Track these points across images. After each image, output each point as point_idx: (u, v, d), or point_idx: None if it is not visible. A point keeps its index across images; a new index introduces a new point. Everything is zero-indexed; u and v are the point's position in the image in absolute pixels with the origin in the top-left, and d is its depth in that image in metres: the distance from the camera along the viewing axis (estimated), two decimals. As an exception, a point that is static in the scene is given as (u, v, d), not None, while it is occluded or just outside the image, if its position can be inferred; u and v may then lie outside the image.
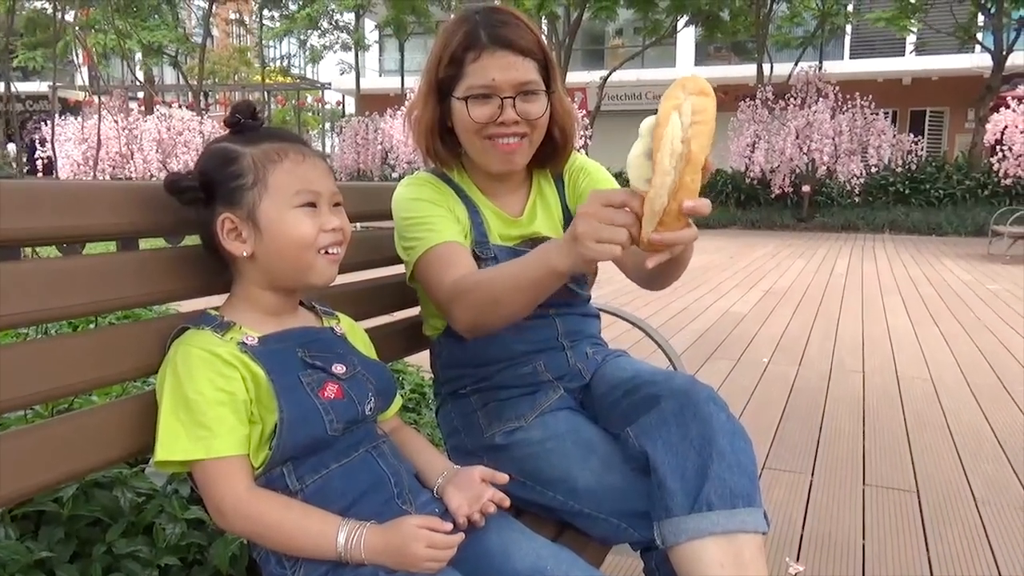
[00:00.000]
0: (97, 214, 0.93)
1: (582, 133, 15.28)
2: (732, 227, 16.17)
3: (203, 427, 0.89)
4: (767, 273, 8.33)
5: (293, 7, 23.04)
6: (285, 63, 28.46)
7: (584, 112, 17.28)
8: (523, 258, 1.08)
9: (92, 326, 2.21)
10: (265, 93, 23.19)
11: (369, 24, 24.31)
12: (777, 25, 19.70)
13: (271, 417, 0.93)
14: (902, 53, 20.72)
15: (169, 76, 27.42)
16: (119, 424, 0.93)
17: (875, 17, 17.41)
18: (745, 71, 20.24)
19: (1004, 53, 15.54)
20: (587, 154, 1.67)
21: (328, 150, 22.93)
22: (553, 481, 1.21)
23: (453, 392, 1.38)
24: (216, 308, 1.01)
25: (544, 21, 17.50)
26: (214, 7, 21.90)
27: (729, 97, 17.73)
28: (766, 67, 17.93)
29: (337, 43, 23.67)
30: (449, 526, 0.94)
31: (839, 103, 15.35)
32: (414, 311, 1.50)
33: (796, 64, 17.47)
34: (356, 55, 23.32)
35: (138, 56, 21.44)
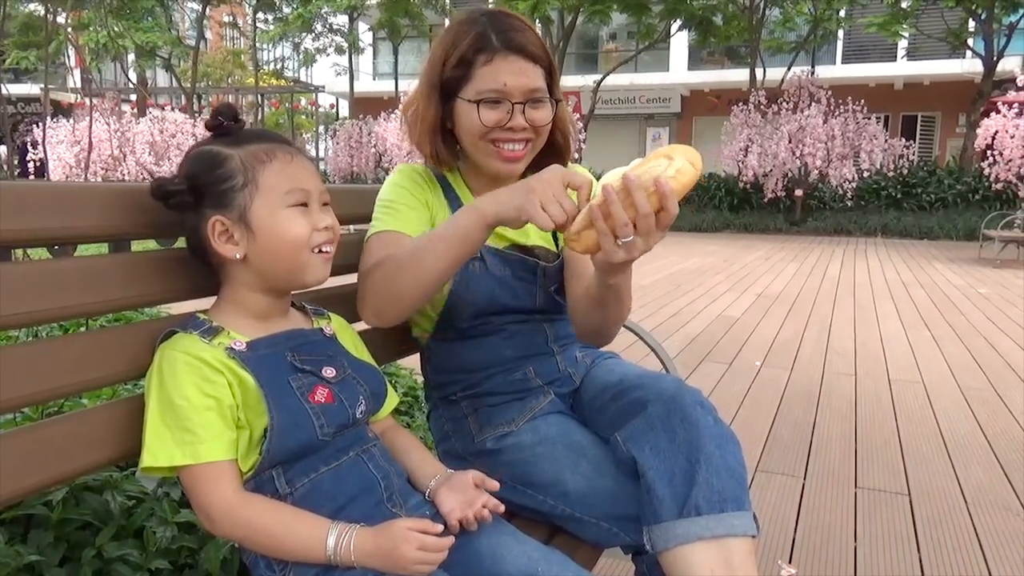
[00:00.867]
0: (88, 216, 0.92)
1: (576, 137, 15.29)
2: (725, 231, 16.21)
3: (189, 432, 0.88)
4: (760, 277, 8.35)
5: (287, 10, 23.03)
6: (279, 66, 28.41)
7: (578, 116, 17.31)
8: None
9: (83, 329, 2.20)
10: (259, 96, 23.15)
11: (363, 27, 24.31)
12: (770, 30, 19.79)
13: (259, 422, 0.92)
14: (894, 58, 20.84)
15: (162, 79, 27.35)
16: (109, 427, 0.93)
17: (867, 22, 17.50)
18: (738, 75, 20.34)
19: (995, 58, 15.64)
20: (580, 158, 1.68)
21: (322, 153, 22.89)
22: (544, 485, 1.21)
23: (443, 397, 1.37)
24: (204, 312, 1.00)
25: (538, 25, 17.52)
26: (208, 10, 21.87)
27: (722, 101, 17.80)
28: (759, 72, 18.00)
29: (331, 46, 23.66)
30: (440, 527, 0.94)
31: (831, 108, 15.41)
32: (406, 313, 1.50)
33: (789, 69, 17.54)
34: (350, 58, 23.32)
35: (131, 57, 21.37)
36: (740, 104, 16.27)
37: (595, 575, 1.08)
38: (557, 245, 1.37)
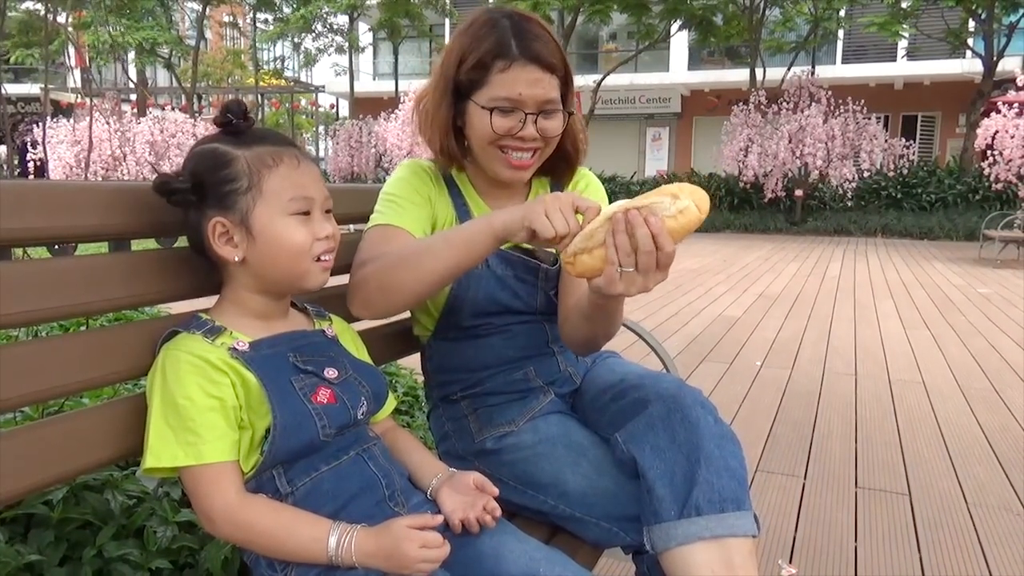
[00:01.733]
0: (88, 215, 0.92)
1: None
2: (725, 231, 16.20)
3: (192, 433, 0.88)
4: (760, 277, 8.35)
5: (287, 10, 23.02)
6: (279, 66, 28.41)
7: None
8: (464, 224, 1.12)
9: (83, 328, 2.20)
10: (259, 96, 23.13)
11: (363, 27, 24.30)
12: (770, 30, 19.78)
13: (262, 423, 0.92)
14: (894, 58, 20.84)
15: (162, 79, 27.36)
16: (110, 426, 0.93)
17: (867, 22, 17.49)
18: (738, 76, 20.33)
19: (995, 58, 15.64)
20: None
21: (322, 153, 22.90)
22: (544, 485, 1.21)
23: (444, 396, 1.37)
24: (206, 311, 1.00)
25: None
26: (207, 10, 21.86)
27: (722, 101, 17.78)
28: (759, 72, 17.99)
29: (331, 46, 23.65)
30: (440, 518, 0.94)
31: (831, 108, 15.41)
32: (406, 313, 1.50)
33: (789, 69, 17.54)
34: (350, 58, 23.31)
35: (131, 55, 21.36)
36: (740, 104, 16.27)
37: (595, 575, 1.07)
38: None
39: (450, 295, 1.27)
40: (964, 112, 17.38)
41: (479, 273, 1.26)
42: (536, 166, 1.28)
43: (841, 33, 20.75)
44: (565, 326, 1.27)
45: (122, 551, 1.33)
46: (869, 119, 15.23)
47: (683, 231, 0.96)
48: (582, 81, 19.85)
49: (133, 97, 22.69)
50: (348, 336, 1.15)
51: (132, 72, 23.29)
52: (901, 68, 20.66)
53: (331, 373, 1.00)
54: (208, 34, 26.50)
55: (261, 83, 24.88)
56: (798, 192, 15.79)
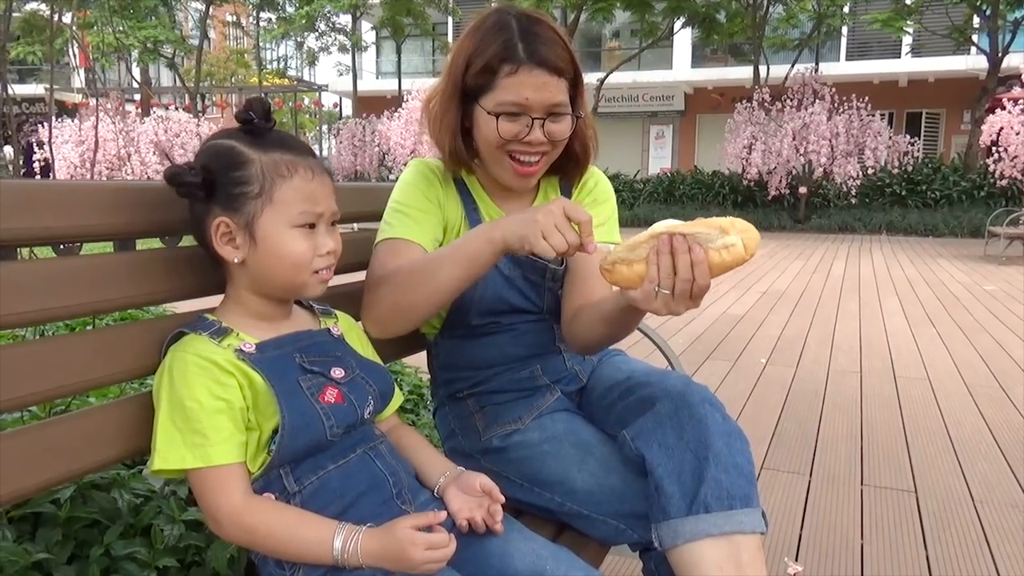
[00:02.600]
0: (94, 214, 0.92)
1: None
2: (729, 229, 16.16)
3: (200, 435, 0.88)
4: (764, 274, 8.34)
5: (290, 9, 23.02)
6: (282, 65, 28.42)
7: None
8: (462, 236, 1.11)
9: (89, 327, 2.20)
10: (262, 95, 23.10)
11: (366, 25, 24.30)
12: (773, 27, 19.72)
13: (269, 423, 0.92)
14: (898, 55, 20.76)
15: (166, 78, 27.39)
16: (117, 425, 0.93)
17: (871, 19, 17.44)
18: (742, 73, 20.28)
19: (999, 55, 15.57)
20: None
21: (325, 152, 22.90)
22: (551, 483, 1.21)
23: (450, 394, 1.37)
24: (212, 311, 1.00)
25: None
26: (211, 9, 21.88)
27: (726, 99, 17.73)
28: (762, 69, 17.95)
29: (334, 45, 23.65)
30: (444, 515, 0.94)
31: (835, 105, 15.37)
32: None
33: (792, 66, 17.50)
34: (353, 57, 23.30)
35: (134, 54, 21.38)
36: (744, 102, 16.24)
37: (603, 572, 1.07)
38: None
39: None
40: (969, 109, 17.32)
41: (488, 273, 1.26)
42: (543, 170, 1.28)
43: (845, 30, 20.66)
44: (572, 325, 1.27)
45: (129, 549, 1.33)
46: (873, 116, 15.19)
47: (724, 267, 0.94)
48: (585, 79, 19.81)
49: (137, 97, 22.73)
50: (354, 333, 1.14)
51: (136, 72, 23.32)
52: (905, 65, 20.59)
53: (338, 373, 1.00)
54: (211, 33, 26.52)
55: (264, 82, 24.89)
56: (802, 189, 15.75)
